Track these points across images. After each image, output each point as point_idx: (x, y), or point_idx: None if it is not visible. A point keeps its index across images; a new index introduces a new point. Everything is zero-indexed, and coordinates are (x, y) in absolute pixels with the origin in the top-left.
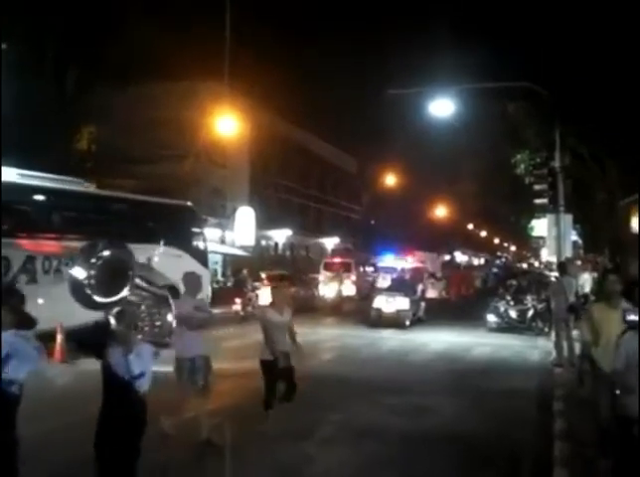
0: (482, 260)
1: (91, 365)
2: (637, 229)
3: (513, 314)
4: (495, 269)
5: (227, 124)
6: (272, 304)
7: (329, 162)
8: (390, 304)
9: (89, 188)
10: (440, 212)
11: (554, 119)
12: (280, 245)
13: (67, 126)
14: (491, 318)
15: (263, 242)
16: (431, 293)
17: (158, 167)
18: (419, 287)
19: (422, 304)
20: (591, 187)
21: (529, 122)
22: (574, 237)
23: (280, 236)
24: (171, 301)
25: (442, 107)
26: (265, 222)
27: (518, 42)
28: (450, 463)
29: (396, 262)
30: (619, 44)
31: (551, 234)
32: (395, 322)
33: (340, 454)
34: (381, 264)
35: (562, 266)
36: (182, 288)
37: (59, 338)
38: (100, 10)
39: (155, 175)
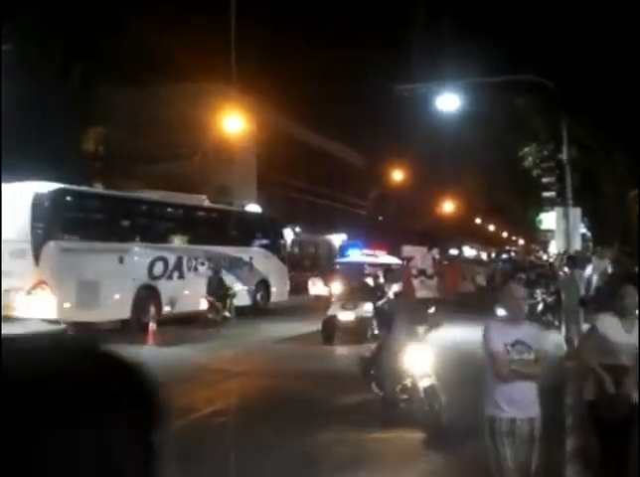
0: (485, 255)
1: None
2: None
3: None
4: (500, 264)
5: (234, 123)
6: (623, 312)
7: (337, 159)
8: (348, 311)
9: (205, 201)
10: (448, 207)
11: (561, 112)
12: (289, 243)
13: (74, 127)
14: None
15: None
16: (422, 293)
17: (166, 166)
18: (393, 288)
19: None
20: (600, 179)
21: (536, 115)
22: (583, 229)
23: (288, 233)
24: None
25: (449, 102)
26: None
27: (523, 34)
28: (461, 456)
29: (362, 258)
30: (627, 34)
31: (559, 227)
32: (354, 334)
33: (350, 449)
34: (341, 261)
35: (573, 260)
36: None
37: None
38: (106, 10)
39: (163, 174)
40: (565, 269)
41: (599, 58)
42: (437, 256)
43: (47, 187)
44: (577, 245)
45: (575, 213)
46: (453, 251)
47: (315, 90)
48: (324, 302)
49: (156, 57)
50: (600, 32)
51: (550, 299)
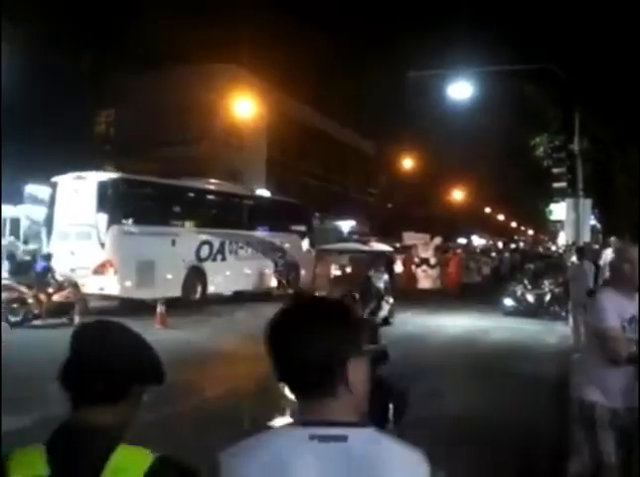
0: (492, 244)
1: None
2: None
3: (530, 298)
4: (507, 254)
5: (244, 107)
6: None
7: (347, 144)
8: None
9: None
10: (457, 195)
11: (573, 102)
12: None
13: (85, 110)
14: (508, 302)
15: None
16: (424, 283)
17: (175, 150)
18: (382, 279)
19: (389, 301)
20: (612, 170)
21: (548, 105)
22: (593, 221)
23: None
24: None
25: (461, 90)
26: None
27: (537, 22)
28: (463, 448)
29: (350, 245)
30: None
31: (569, 218)
32: None
33: None
34: (325, 247)
35: (582, 251)
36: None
37: (159, 307)
38: None
39: (172, 158)
40: (574, 260)
41: (612, 48)
42: (449, 245)
43: (109, 176)
44: (587, 237)
45: (586, 204)
46: (462, 240)
47: (326, 76)
48: None
49: (168, 40)
50: (615, 23)
51: (557, 290)
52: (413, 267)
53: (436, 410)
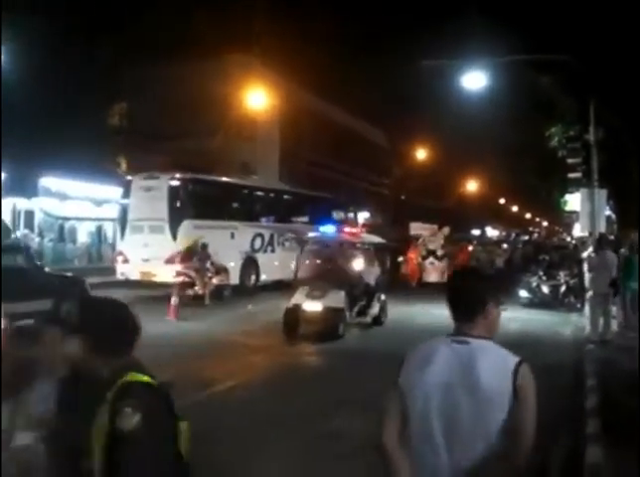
0: (506, 235)
1: None
2: None
3: (545, 289)
4: (519, 246)
5: (256, 99)
6: None
7: (360, 136)
8: (314, 300)
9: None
10: (472, 186)
11: (588, 92)
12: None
13: (99, 102)
14: (523, 293)
15: None
16: (431, 277)
17: (188, 142)
18: (375, 273)
19: (381, 298)
20: (627, 160)
21: (562, 95)
22: (608, 212)
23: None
24: None
25: (475, 80)
26: None
27: (553, 13)
28: None
29: (339, 236)
30: None
31: (584, 209)
32: (322, 328)
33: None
34: (312, 237)
35: (602, 240)
36: None
37: (173, 299)
38: None
39: (185, 150)
40: (590, 251)
41: (626, 38)
42: (459, 235)
43: (180, 176)
44: (602, 228)
45: (601, 194)
46: (476, 231)
47: (340, 67)
48: None
49: (181, 32)
50: (629, 13)
51: (572, 281)
52: (420, 259)
53: None
